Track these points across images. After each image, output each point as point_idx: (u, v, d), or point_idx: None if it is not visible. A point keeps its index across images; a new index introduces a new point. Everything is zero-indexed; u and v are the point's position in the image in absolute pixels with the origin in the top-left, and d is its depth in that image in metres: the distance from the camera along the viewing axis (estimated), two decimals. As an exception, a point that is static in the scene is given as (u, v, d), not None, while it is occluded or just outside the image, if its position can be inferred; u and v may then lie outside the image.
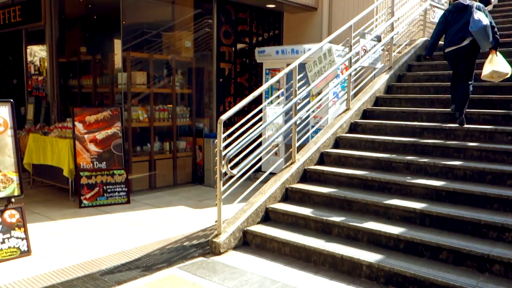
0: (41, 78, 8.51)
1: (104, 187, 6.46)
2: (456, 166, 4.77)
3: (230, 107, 5.61)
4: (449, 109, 5.85)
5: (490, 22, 5.34)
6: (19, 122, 8.43)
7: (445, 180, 4.69)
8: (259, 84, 8.71)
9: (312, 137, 6.44)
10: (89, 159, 6.49)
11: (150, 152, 7.61)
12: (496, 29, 5.41)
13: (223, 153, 4.63)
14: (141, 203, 6.68)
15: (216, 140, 4.73)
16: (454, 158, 5.05)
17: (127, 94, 7.30)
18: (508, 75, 5.34)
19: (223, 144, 4.67)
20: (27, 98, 8.86)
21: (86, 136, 6.52)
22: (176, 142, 7.98)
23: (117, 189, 6.53)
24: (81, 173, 6.35)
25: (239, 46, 8.69)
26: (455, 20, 5.55)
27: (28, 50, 8.91)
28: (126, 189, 6.60)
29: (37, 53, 8.77)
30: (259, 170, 7.12)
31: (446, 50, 5.67)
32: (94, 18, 8.63)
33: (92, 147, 6.54)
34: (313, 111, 6.72)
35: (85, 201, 6.33)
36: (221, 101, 8.31)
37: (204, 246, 4.73)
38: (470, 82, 5.53)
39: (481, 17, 5.27)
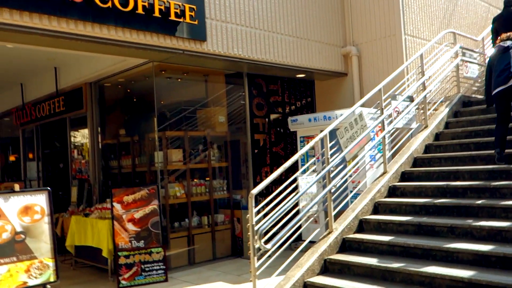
0: (83, 161, 8.90)
1: (142, 266, 6.44)
2: (505, 228, 4.43)
3: (266, 177, 5.63)
4: (492, 166, 5.57)
5: None
6: (65, 205, 8.84)
7: (494, 244, 4.35)
8: (295, 152, 8.69)
9: (352, 202, 6.26)
10: (127, 239, 6.54)
11: (188, 227, 7.60)
12: None
13: (256, 227, 4.56)
14: (179, 280, 6.57)
15: (251, 213, 4.67)
16: (502, 218, 4.71)
17: (163, 172, 7.45)
18: None
19: (255, 218, 4.61)
20: (71, 181, 9.22)
21: (124, 215, 6.62)
22: (214, 216, 7.96)
23: (155, 267, 6.49)
24: (119, 253, 6.38)
25: (272, 116, 8.81)
26: (498, 62, 5.66)
27: (71, 136, 9.42)
28: (164, 267, 6.54)
29: (80, 138, 9.24)
30: (299, 238, 6.92)
31: (494, 92, 5.67)
32: (133, 101, 9.09)
33: (130, 227, 6.61)
34: (350, 176, 6.58)
35: (123, 281, 6.30)
36: (258, 171, 8.32)
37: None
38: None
39: None
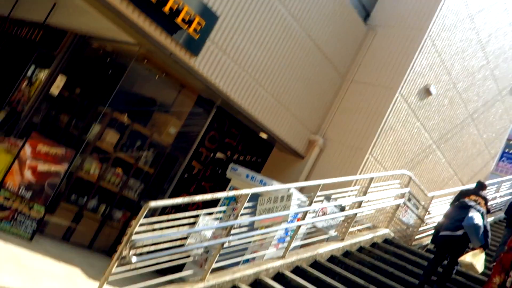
0: (26, 95, 8.59)
1: (15, 215, 6.09)
2: None
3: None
4: None
5: (485, 226, 5.97)
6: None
7: None
8: (220, 197, 8.64)
9: (244, 262, 6.19)
10: (18, 183, 6.22)
11: (82, 205, 7.32)
12: (489, 233, 6.08)
13: (134, 237, 4.42)
14: (42, 246, 6.22)
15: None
16: None
17: (90, 144, 7.26)
18: (478, 272, 5.98)
19: (138, 228, 4.47)
20: (5, 105, 8.85)
21: (28, 161, 6.33)
22: (113, 210, 7.70)
23: (27, 223, 6.15)
24: (2, 191, 6.03)
25: (219, 155, 8.83)
26: (456, 213, 6.22)
27: (31, 67, 9.10)
28: (35, 227, 6.20)
29: (37, 73, 8.94)
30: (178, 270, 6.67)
31: (441, 234, 6.18)
32: (104, 69, 8.89)
33: (28, 174, 6.31)
34: (249, 242, 6.52)
35: (-12, 220, 5.93)
36: (177, 194, 8.18)
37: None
38: (456, 266, 6.16)
39: (476, 217, 5.91)
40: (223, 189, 8.92)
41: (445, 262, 6.36)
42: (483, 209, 6.26)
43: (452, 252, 6.16)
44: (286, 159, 9.43)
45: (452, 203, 7.18)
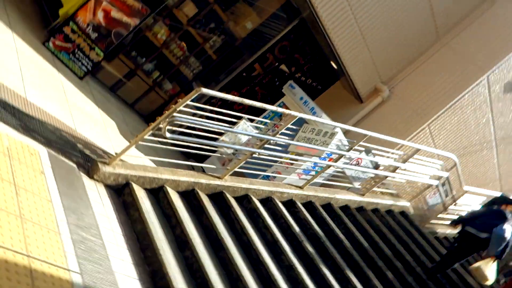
0: None
1: (76, 50, 6.27)
2: None
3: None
4: None
5: (509, 240, 5.90)
6: None
7: None
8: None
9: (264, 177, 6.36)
10: (88, 20, 6.31)
11: (139, 65, 7.48)
12: (508, 249, 5.96)
13: (175, 114, 4.50)
14: (89, 89, 6.47)
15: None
16: None
17: (168, 10, 7.21)
18: (487, 283, 5.91)
19: (182, 107, 4.53)
20: None
21: (104, 3, 6.34)
22: (166, 80, 7.85)
23: (84, 62, 6.34)
24: (71, 22, 6.17)
25: (283, 67, 8.66)
26: (489, 216, 6.18)
27: None
28: (90, 68, 6.40)
29: None
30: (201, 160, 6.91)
31: (466, 229, 6.15)
32: None
33: (100, 16, 6.38)
34: (277, 161, 6.61)
35: (51, 44, 6.13)
36: (228, 90, 8.19)
37: (85, 159, 4.51)
38: (459, 262, 6.42)
39: (508, 230, 5.87)
40: (273, 101, 8.88)
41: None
42: None
43: (466, 249, 6.27)
44: (344, 97, 9.18)
45: (487, 205, 7.04)
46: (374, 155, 7.05)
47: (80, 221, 3.39)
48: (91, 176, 4.07)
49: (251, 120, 5.95)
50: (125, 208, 4.12)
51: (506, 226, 5.94)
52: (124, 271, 3.40)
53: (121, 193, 4.23)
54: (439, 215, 9.48)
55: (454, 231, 7.21)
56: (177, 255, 4.02)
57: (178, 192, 4.81)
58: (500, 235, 5.87)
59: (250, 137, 5.38)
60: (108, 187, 4.19)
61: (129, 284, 3.33)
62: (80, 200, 3.62)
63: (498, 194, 9.90)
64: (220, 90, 7.94)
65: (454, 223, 6.59)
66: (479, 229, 6.04)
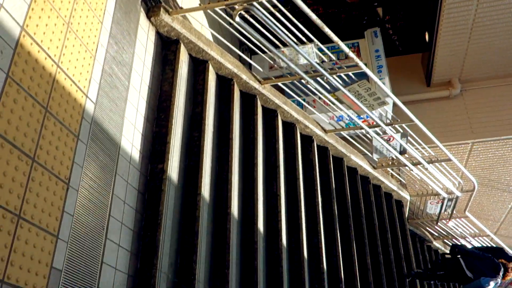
0: None
1: None
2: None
3: None
4: None
5: None
6: None
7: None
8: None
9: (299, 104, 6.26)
10: None
11: None
12: None
13: (255, 2, 4.27)
14: None
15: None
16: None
17: None
18: None
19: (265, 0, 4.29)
20: None
21: None
22: None
23: None
24: None
25: (378, 10, 8.10)
26: (486, 263, 6.15)
27: None
28: None
29: None
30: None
31: (460, 259, 6.34)
32: None
33: None
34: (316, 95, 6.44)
35: None
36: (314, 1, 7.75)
37: None
38: (438, 281, 7.00)
39: (491, 286, 5.92)
40: (351, 37, 8.37)
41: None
42: (501, 281, 6.24)
43: (449, 274, 6.65)
44: (416, 71, 8.68)
45: (486, 249, 6.95)
46: (408, 141, 6.86)
47: (118, 55, 3.37)
48: (149, 16, 3.96)
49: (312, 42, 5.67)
50: (163, 64, 4.07)
51: (492, 282, 6.00)
52: (133, 121, 3.46)
53: (167, 48, 4.16)
54: (426, 221, 9.55)
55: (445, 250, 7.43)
56: (186, 131, 4.07)
57: (217, 75, 4.75)
58: (480, 286, 6.00)
59: (309, 62, 5.16)
60: (158, 34, 4.11)
61: (132, 133, 3.40)
62: (128, 35, 3.57)
63: (491, 233, 9.90)
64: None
65: (454, 248, 6.72)
66: (468, 267, 6.18)
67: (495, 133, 7.90)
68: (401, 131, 6.52)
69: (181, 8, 4.30)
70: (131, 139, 3.38)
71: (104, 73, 3.14)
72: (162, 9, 4.02)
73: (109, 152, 3.06)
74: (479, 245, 9.77)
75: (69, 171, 2.61)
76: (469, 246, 7.99)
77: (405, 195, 8.27)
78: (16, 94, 2.28)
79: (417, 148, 7.00)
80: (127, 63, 3.49)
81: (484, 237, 10.43)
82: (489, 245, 10.01)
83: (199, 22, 4.89)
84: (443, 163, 7.28)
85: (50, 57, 2.58)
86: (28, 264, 2.21)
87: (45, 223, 2.37)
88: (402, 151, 7.02)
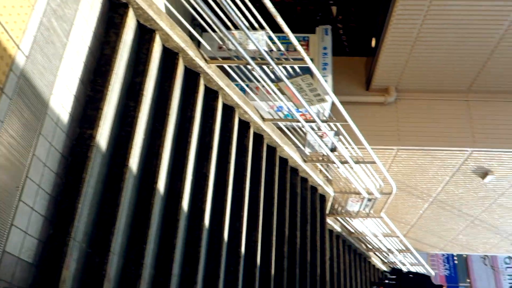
0: None
1: None
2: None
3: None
4: None
5: None
6: None
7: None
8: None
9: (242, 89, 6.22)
10: None
11: None
12: None
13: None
14: None
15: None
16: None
17: None
18: None
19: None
20: None
21: None
22: None
23: None
24: None
25: (333, 8, 8.21)
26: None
27: None
28: None
29: None
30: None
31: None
32: None
33: None
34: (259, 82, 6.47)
35: None
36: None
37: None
38: None
39: None
40: (301, 30, 8.39)
41: None
42: None
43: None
44: (358, 74, 8.92)
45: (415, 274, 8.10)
46: (339, 140, 7.10)
47: (60, 9, 3.17)
48: (99, -28, 3.76)
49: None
50: (108, 26, 3.89)
51: None
52: (67, 81, 3.29)
53: (114, 10, 3.97)
54: (347, 218, 9.99)
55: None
56: (122, 100, 3.95)
57: (163, 47, 4.62)
58: None
59: (257, 49, 5.15)
60: (107, -6, 3.91)
61: (63, 93, 3.24)
62: (73, -10, 3.36)
63: (401, 234, 10.58)
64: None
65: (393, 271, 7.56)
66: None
67: (419, 143, 8.35)
68: (335, 129, 6.72)
69: (136, -30, 4.11)
70: (62, 100, 3.22)
71: (42, 26, 2.95)
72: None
73: (35, 109, 2.90)
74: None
75: (-12, 125, 2.45)
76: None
77: (329, 190, 8.58)
78: None
79: (347, 148, 7.25)
80: (68, 19, 3.29)
81: (394, 238, 11.09)
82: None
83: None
84: (368, 164, 7.60)
85: (-18, 0, 2.38)
86: None
87: (-46, 178, 2.21)
88: (333, 149, 7.25)
